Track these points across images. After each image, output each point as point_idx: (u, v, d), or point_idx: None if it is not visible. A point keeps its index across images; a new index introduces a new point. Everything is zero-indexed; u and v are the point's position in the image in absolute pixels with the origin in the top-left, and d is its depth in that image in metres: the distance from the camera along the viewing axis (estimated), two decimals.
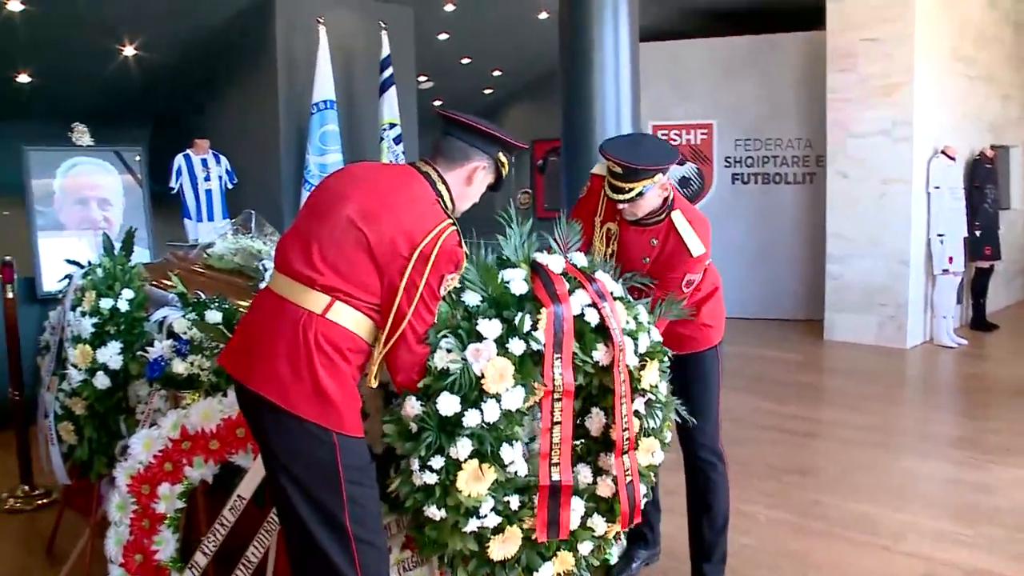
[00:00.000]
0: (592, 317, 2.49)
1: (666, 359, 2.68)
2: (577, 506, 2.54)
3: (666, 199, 2.97)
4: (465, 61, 11.40)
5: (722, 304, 3.29)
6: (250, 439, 2.66)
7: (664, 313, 2.79)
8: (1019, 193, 9.98)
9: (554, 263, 2.52)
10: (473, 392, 2.30)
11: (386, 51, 7.88)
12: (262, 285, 2.32)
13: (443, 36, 10.20)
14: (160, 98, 10.31)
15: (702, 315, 3.19)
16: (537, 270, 2.50)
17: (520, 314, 2.40)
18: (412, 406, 2.30)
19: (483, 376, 2.30)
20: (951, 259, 7.93)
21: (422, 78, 10.54)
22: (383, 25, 7.77)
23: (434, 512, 2.32)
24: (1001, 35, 9.36)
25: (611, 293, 2.57)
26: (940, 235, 7.96)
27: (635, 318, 2.63)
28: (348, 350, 2.17)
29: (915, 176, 7.86)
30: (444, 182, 2.32)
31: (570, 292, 2.48)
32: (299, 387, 2.11)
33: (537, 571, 2.51)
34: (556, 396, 2.43)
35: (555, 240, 2.62)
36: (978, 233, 8.23)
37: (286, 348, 2.12)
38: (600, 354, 2.52)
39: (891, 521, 4.03)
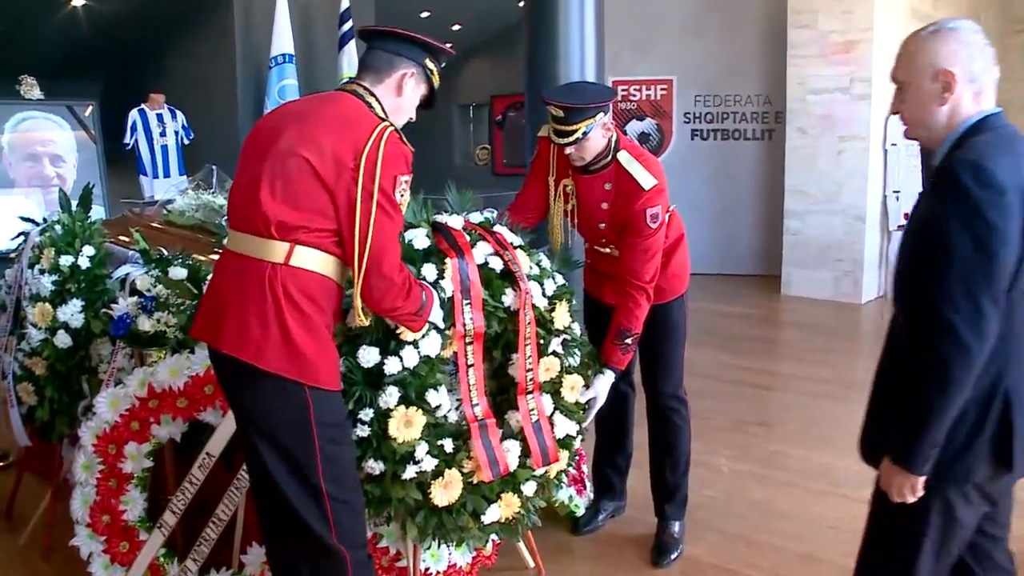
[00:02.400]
0: (496, 264, 2.67)
1: (574, 300, 2.87)
2: (512, 447, 2.67)
3: (611, 139, 3.04)
4: (424, 15, 11.24)
5: (687, 253, 3.34)
6: (219, 396, 2.64)
7: (557, 266, 2.93)
8: None
9: (453, 220, 2.69)
10: (390, 342, 2.43)
11: (345, 4, 7.75)
12: (225, 242, 2.29)
13: None
14: (113, 51, 10.06)
15: (671, 265, 3.25)
16: (438, 228, 2.65)
17: (425, 265, 2.54)
18: None
19: (397, 327, 2.42)
20: (906, 215, 8.02)
21: None
22: None
23: (372, 466, 2.43)
24: None
25: (511, 243, 2.75)
26: (896, 192, 8.06)
27: (538, 264, 2.83)
28: (320, 297, 2.13)
29: (873, 133, 7.92)
30: (374, 95, 2.27)
31: (472, 244, 2.64)
32: (270, 343, 2.07)
33: (484, 515, 2.60)
34: (468, 340, 2.58)
35: (449, 204, 2.78)
36: None
37: (254, 305, 2.09)
38: (509, 299, 2.69)
39: (851, 471, 4.10)
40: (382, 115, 2.24)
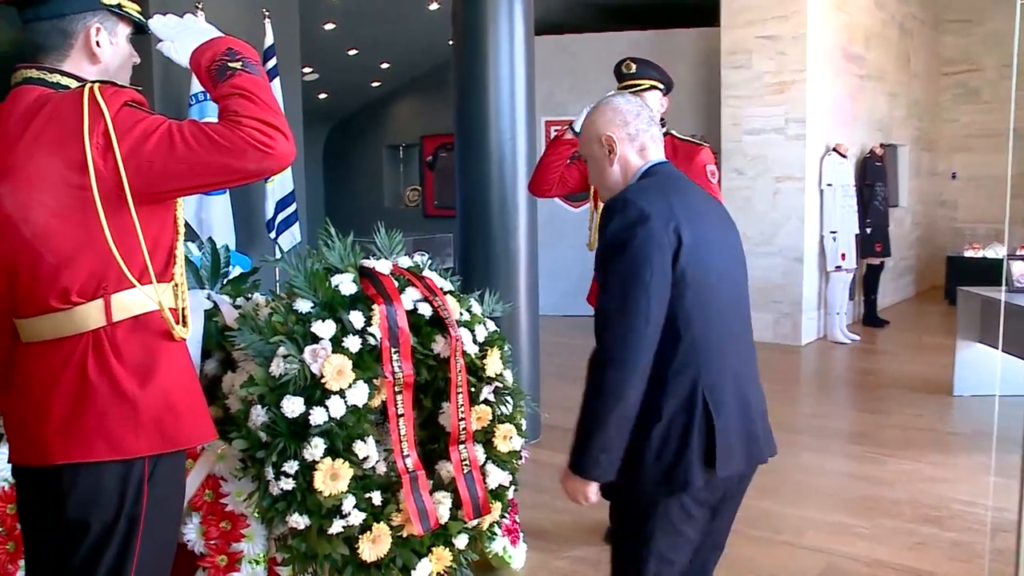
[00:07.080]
0: (425, 310, 2.64)
1: (507, 347, 2.87)
2: (443, 499, 2.62)
3: (663, 120, 3.43)
4: (352, 53, 11.08)
5: None
6: None
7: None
8: (907, 191, 10.24)
9: (381, 265, 2.67)
10: (316, 391, 2.36)
11: (269, 40, 7.53)
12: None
13: (329, 26, 9.89)
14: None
15: None
16: (365, 273, 2.62)
17: (352, 312, 2.49)
18: (258, 414, 2.32)
19: (323, 375, 2.37)
20: (843, 256, 8.03)
21: (307, 69, 10.20)
22: (266, 13, 7.40)
23: (297, 520, 2.34)
24: (888, 35, 9.57)
25: (440, 288, 2.75)
26: (832, 232, 8.05)
27: (468, 310, 2.82)
28: (161, 336, 1.77)
29: (808, 173, 7.93)
30: (65, 74, 1.80)
31: (401, 290, 2.62)
32: (113, 426, 1.71)
33: (414, 569, 2.53)
34: (397, 388, 2.52)
35: (377, 247, 2.80)
36: (869, 230, 8.36)
37: (75, 392, 1.71)
38: (439, 346, 2.66)
39: (792, 517, 3.98)
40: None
